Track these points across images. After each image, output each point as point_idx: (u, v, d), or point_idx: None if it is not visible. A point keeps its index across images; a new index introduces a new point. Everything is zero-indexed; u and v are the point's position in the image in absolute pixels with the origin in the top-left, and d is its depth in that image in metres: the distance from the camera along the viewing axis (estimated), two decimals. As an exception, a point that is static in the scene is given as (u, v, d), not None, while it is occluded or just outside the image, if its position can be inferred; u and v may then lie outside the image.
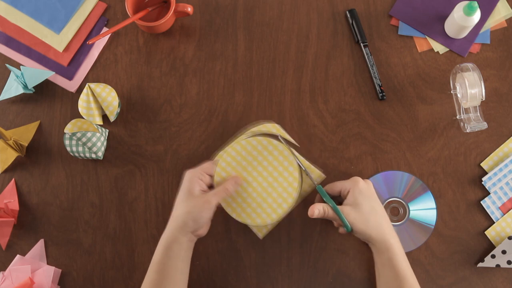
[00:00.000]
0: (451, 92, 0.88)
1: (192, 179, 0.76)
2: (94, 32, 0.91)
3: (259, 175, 0.81)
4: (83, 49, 0.91)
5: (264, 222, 0.81)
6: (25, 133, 0.88)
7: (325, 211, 0.77)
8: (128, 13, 0.87)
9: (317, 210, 0.76)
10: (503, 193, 0.85)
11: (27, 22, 0.91)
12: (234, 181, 0.79)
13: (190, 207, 0.74)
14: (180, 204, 0.76)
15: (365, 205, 0.76)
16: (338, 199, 0.81)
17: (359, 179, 0.78)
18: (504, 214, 0.85)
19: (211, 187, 0.80)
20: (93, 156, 0.84)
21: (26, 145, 0.87)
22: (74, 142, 0.82)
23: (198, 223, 0.74)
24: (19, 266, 0.83)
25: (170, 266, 0.73)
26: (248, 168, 0.82)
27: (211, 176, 0.81)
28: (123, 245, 0.85)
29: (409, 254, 0.84)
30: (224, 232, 0.85)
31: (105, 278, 0.84)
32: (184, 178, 0.78)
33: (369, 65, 0.89)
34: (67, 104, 0.89)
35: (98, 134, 0.83)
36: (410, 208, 0.85)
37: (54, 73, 0.90)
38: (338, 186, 0.79)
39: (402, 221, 0.85)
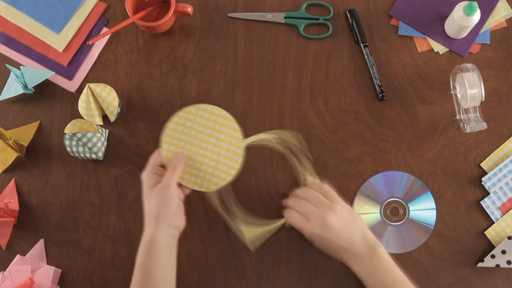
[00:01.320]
0: (451, 92, 0.88)
1: (147, 176, 0.78)
2: (94, 32, 0.91)
3: (202, 141, 0.81)
4: (83, 49, 0.91)
5: (218, 184, 0.81)
6: (25, 133, 0.88)
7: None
8: (128, 13, 0.87)
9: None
10: (503, 193, 0.85)
11: (27, 22, 0.91)
12: (176, 156, 0.79)
13: (155, 199, 0.75)
14: (146, 201, 0.77)
15: (329, 237, 0.76)
16: None
17: (324, 214, 0.76)
18: (503, 214, 0.85)
19: None
20: (93, 156, 0.84)
21: (26, 145, 0.87)
22: (74, 142, 0.82)
23: (169, 211, 0.75)
24: (19, 266, 0.83)
25: (153, 266, 0.73)
26: (189, 139, 0.81)
27: (164, 166, 0.81)
28: (123, 245, 0.85)
29: (409, 254, 0.84)
30: (224, 232, 0.85)
31: (105, 278, 0.84)
32: (142, 182, 0.79)
33: (369, 65, 0.89)
34: (67, 104, 0.89)
35: (98, 135, 0.83)
36: (410, 208, 0.86)
37: (54, 73, 0.90)
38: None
39: (402, 221, 0.85)
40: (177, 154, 0.80)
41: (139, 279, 0.73)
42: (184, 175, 0.81)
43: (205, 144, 0.81)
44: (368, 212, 0.86)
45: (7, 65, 0.88)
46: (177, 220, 0.77)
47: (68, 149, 0.83)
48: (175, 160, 0.79)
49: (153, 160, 0.80)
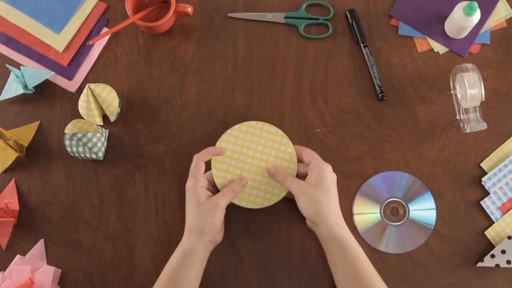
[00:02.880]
0: (451, 92, 0.88)
1: (195, 189, 0.77)
2: (94, 32, 0.91)
3: (254, 158, 0.82)
4: (83, 49, 0.91)
5: (271, 202, 0.81)
6: (25, 133, 0.88)
7: (283, 175, 0.79)
8: (128, 13, 0.87)
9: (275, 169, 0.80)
10: (503, 193, 0.85)
11: (27, 22, 0.91)
12: (239, 181, 0.80)
13: (203, 214, 0.75)
14: (192, 214, 0.77)
15: (325, 186, 0.77)
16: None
17: (327, 164, 0.79)
18: (503, 214, 0.85)
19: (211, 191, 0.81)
20: (94, 156, 0.84)
21: (26, 145, 0.87)
22: (74, 142, 0.82)
23: (214, 228, 0.76)
24: (19, 266, 0.83)
25: (184, 275, 0.74)
26: (241, 157, 0.81)
27: (209, 182, 0.81)
28: (123, 245, 0.85)
29: (409, 254, 0.84)
30: (224, 232, 0.85)
31: (105, 278, 0.84)
32: (187, 191, 0.78)
33: (369, 66, 0.89)
34: (67, 104, 0.89)
35: (98, 135, 0.83)
36: (410, 209, 0.86)
37: (54, 73, 0.90)
38: (307, 156, 0.80)
39: (402, 221, 0.85)
40: (241, 180, 0.80)
41: (166, 285, 0.74)
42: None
43: (257, 161, 0.81)
44: (368, 212, 0.86)
45: (7, 65, 0.88)
46: (218, 236, 0.79)
47: (68, 149, 0.83)
48: (236, 185, 0.79)
49: (201, 170, 0.78)
